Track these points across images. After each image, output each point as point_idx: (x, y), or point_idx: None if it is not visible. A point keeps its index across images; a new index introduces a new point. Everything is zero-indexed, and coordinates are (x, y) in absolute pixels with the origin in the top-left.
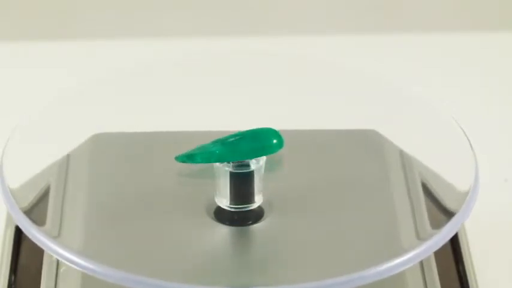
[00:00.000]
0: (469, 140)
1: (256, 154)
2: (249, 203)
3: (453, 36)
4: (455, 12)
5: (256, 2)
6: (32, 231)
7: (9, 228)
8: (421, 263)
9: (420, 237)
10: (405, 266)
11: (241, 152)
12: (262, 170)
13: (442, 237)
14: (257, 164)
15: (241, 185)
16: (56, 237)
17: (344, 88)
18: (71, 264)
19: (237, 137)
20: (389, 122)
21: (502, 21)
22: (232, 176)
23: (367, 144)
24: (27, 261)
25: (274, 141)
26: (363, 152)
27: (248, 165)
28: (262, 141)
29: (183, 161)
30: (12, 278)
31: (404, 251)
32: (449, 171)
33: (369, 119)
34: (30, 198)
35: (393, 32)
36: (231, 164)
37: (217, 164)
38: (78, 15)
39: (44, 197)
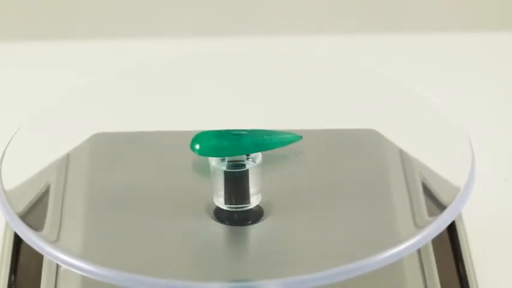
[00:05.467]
0: (469, 139)
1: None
2: (247, 203)
3: (453, 36)
4: (455, 12)
5: (256, 2)
6: (29, 236)
7: (9, 229)
8: (421, 263)
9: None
10: (404, 253)
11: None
12: (259, 169)
13: (438, 224)
14: (253, 163)
15: (237, 184)
16: (55, 241)
17: (344, 88)
18: (71, 268)
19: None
20: (389, 121)
21: (502, 21)
22: (228, 175)
23: (367, 144)
24: (27, 262)
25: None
26: (363, 152)
27: (243, 165)
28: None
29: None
30: (12, 278)
31: (403, 240)
32: (449, 171)
33: (369, 118)
34: (29, 197)
35: (393, 32)
36: (226, 163)
37: (214, 163)
38: (78, 15)
39: (43, 196)
